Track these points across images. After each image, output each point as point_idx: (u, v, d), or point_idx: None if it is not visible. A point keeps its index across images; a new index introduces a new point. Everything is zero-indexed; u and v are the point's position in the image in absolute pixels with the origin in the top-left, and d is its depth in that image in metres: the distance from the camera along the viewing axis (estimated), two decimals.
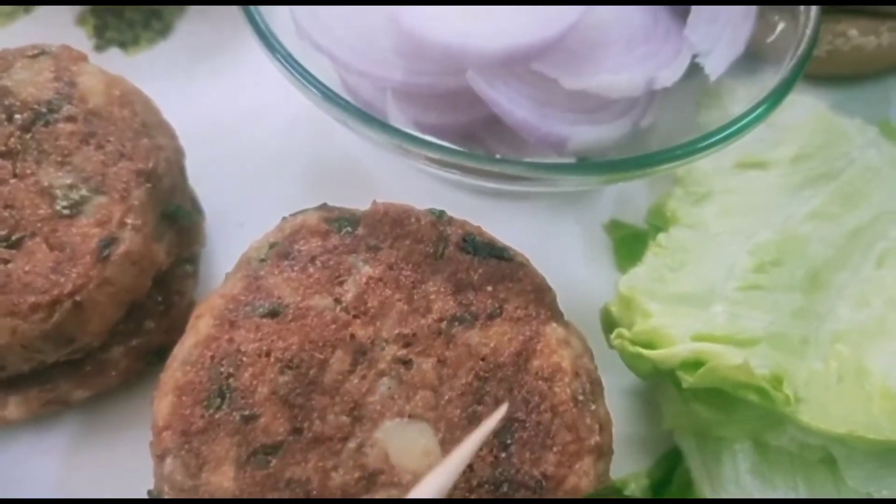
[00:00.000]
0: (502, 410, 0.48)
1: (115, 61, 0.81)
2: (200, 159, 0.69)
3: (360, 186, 0.71)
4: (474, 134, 0.71)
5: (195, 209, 0.67)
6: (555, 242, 0.73)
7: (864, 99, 0.83)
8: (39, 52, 0.63)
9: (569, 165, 0.60)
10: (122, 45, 0.81)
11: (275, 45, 0.59)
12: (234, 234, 0.70)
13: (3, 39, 0.78)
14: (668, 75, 0.67)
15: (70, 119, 0.60)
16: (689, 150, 0.58)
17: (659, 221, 0.68)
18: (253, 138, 0.75)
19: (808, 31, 0.67)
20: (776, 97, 0.61)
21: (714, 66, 0.69)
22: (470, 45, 0.63)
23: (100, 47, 0.81)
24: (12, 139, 0.59)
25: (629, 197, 0.76)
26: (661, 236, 0.63)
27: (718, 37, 0.70)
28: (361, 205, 0.61)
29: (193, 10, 0.85)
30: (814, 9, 0.66)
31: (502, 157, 0.59)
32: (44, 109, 0.60)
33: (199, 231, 0.65)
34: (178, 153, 0.63)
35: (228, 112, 0.76)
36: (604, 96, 0.66)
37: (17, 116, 0.60)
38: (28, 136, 0.59)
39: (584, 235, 0.74)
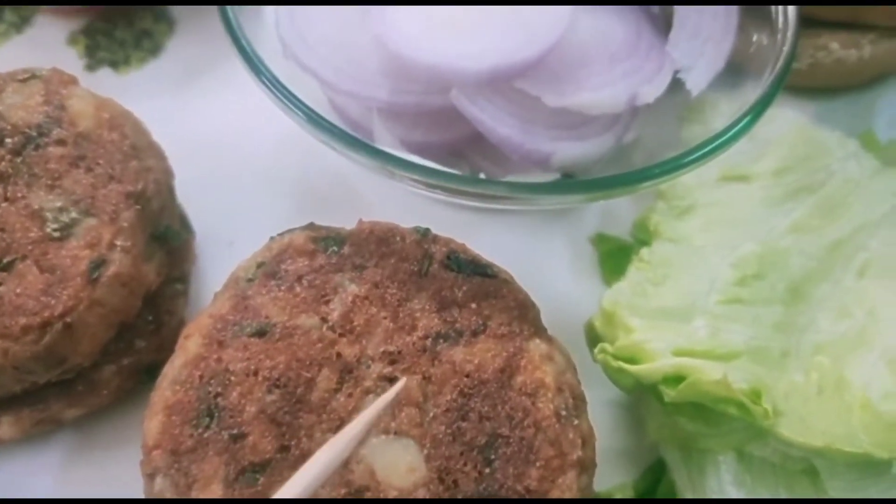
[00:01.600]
0: (399, 385, 0.49)
1: (106, 81, 0.82)
2: (190, 177, 0.70)
3: (348, 203, 0.72)
4: (460, 151, 0.72)
5: (185, 228, 0.67)
6: (541, 256, 0.74)
7: (847, 110, 0.84)
8: (30, 76, 0.64)
9: (552, 185, 0.61)
10: (114, 64, 0.82)
11: (259, 67, 0.60)
12: (223, 252, 0.71)
13: None
14: (651, 91, 0.68)
15: (60, 142, 0.61)
16: (672, 166, 0.59)
17: (643, 235, 0.69)
18: (242, 156, 0.76)
19: (787, 47, 0.67)
20: (756, 112, 0.62)
21: (696, 82, 0.70)
22: (454, 65, 0.64)
23: (91, 67, 0.82)
24: (3, 163, 0.60)
25: (615, 210, 0.77)
26: (643, 251, 0.64)
27: (700, 52, 0.71)
28: (349, 222, 0.62)
29: (184, 28, 0.86)
30: (791, 23, 0.67)
31: (486, 178, 0.60)
32: (34, 133, 0.61)
33: (189, 250, 0.66)
34: (168, 174, 0.64)
35: (218, 130, 0.77)
36: (587, 113, 0.67)
37: (8, 140, 0.61)
38: (19, 159, 0.60)
39: (570, 248, 0.75)
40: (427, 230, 0.59)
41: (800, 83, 0.81)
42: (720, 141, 0.60)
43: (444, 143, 0.71)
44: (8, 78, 0.64)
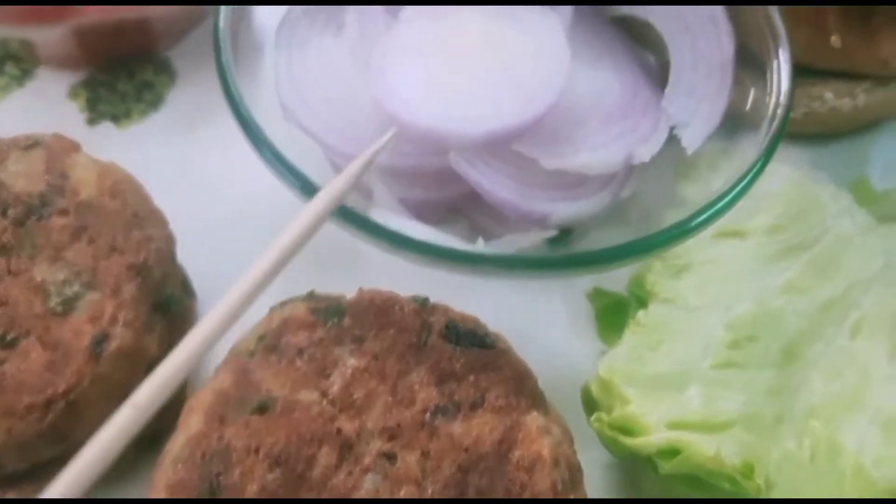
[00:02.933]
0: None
1: (107, 136, 0.83)
2: (191, 236, 0.71)
3: (349, 262, 0.73)
4: (459, 207, 0.73)
5: (186, 292, 0.68)
6: (538, 312, 0.75)
7: (842, 156, 0.85)
8: (33, 143, 0.65)
9: (554, 260, 0.62)
10: (115, 118, 0.83)
11: (259, 138, 0.60)
12: None
13: None
14: (646, 151, 0.69)
15: (62, 212, 0.62)
16: (672, 236, 0.60)
17: (640, 291, 0.70)
18: (244, 214, 0.77)
19: (780, 110, 0.68)
20: (754, 175, 0.63)
21: (691, 140, 0.71)
22: (451, 129, 0.65)
23: (92, 121, 0.83)
24: (6, 234, 0.61)
25: None
26: (640, 314, 0.65)
27: (695, 110, 0.72)
28: (349, 283, 0.63)
29: (185, 80, 0.87)
30: (785, 77, 0.68)
31: (487, 254, 0.61)
32: (37, 203, 0.62)
33: (191, 314, 0.67)
34: (170, 241, 0.65)
35: (220, 186, 0.78)
36: (584, 173, 0.68)
37: (11, 211, 0.62)
38: (22, 230, 0.61)
39: (566, 302, 0.76)
40: (426, 299, 0.60)
41: (795, 130, 0.81)
42: (719, 206, 0.62)
43: (443, 200, 0.72)
44: (11, 145, 0.65)
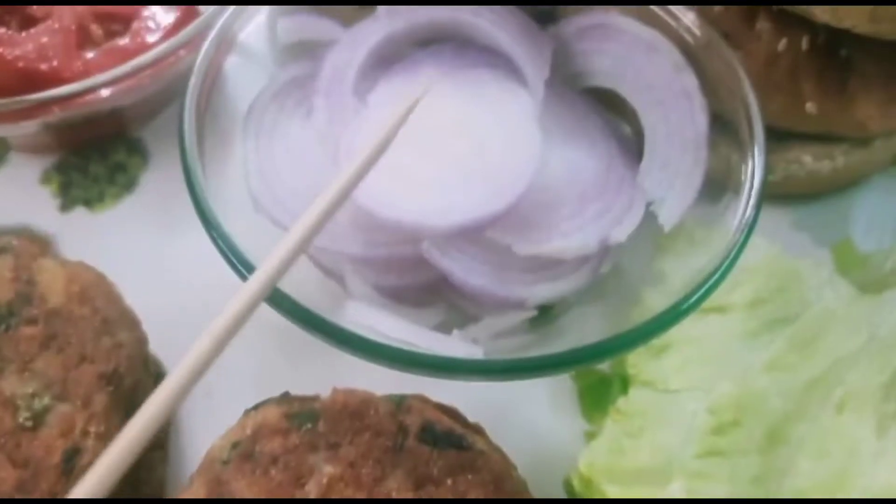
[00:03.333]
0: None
1: (80, 222, 0.82)
2: (166, 326, 0.70)
3: (324, 353, 0.72)
4: (436, 290, 0.72)
5: None
6: (519, 391, 0.74)
7: (824, 216, 0.84)
8: (0, 250, 0.63)
9: (532, 363, 0.60)
10: (88, 202, 0.82)
11: (223, 246, 0.60)
12: (201, 404, 0.71)
13: None
14: (622, 231, 0.69)
15: (31, 322, 0.61)
16: (660, 324, 0.61)
17: (621, 370, 0.69)
18: (219, 302, 0.74)
19: (758, 173, 0.67)
20: (737, 250, 0.63)
21: (668, 216, 0.70)
22: (422, 221, 0.64)
23: (65, 207, 0.82)
24: None
25: (590, 333, 0.76)
26: (620, 401, 0.64)
27: (671, 184, 0.71)
28: (324, 379, 0.62)
29: (158, 160, 0.86)
30: (759, 146, 0.67)
31: (463, 361, 0.60)
32: (4, 313, 0.61)
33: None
34: (141, 344, 0.64)
35: (195, 273, 0.76)
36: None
37: None
38: None
39: (549, 382, 0.75)
40: (402, 399, 0.59)
41: (775, 192, 0.81)
42: (706, 287, 0.63)
43: (419, 284, 0.71)
44: None
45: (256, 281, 0.49)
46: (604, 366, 0.74)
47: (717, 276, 0.61)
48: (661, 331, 0.59)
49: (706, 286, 0.60)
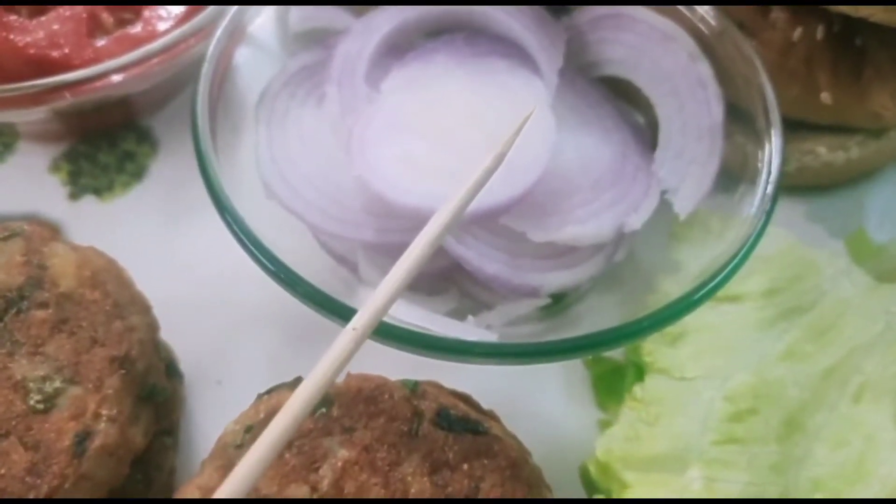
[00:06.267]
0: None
1: (90, 210, 0.82)
2: (176, 313, 0.70)
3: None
4: (449, 276, 0.71)
5: (172, 373, 0.67)
6: (533, 379, 0.74)
7: (838, 207, 0.84)
8: (10, 234, 0.63)
9: (546, 348, 0.60)
10: (97, 191, 0.82)
11: (238, 227, 0.61)
12: (212, 392, 0.72)
13: None
14: (637, 219, 0.68)
15: (42, 305, 0.60)
16: (675, 311, 0.60)
17: (636, 357, 0.69)
18: (229, 289, 0.75)
19: (775, 162, 0.66)
20: (753, 240, 0.62)
21: (683, 204, 0.69)
22: (436, 208, 0.63)
23: (74, 195, 0.82)
24: None
25: (604, 321, 0.75)
26: (636, 388, 0.63)
27: (686, 173, 0.71)
28: None
29: (167, 149, 0.86)
30: (776, 135, 0.67)
31: (476, 343, 0.59)
32: (15, 296, 0.60)
33: (177, 399, 0.66)
34: (152, 328, 0.63)
35: (205, 259, 0.77)
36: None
37: None
38: (0, 325, 0.59)
39: (563, 370, 0.75)
40: (416, 384, 0.59)
41: (789, 183, 0.80)
42: (722, 276, 0.62)
43: (432, 272, 0.70)
44: None
45: (369, 309, 0.52)
46: (618, 354, 0.73)
47: (733, 264, 0.60)
48: (677, 318, 0.58)
49: (722, 275, 0.60)
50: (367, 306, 0.52)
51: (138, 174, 0.84)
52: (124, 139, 0.86)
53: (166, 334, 0.70)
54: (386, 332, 0.55)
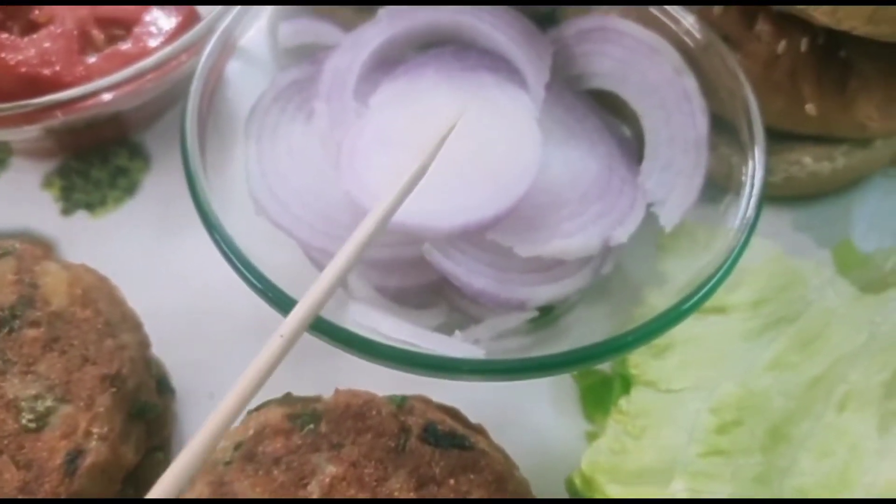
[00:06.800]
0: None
1: (82, 226, 0.82)
2: (168, 328, 0.70)
3: (325, 352, 0.72)
4: (438, 290, 0.72)
5: (164, 388, 0.68)
6: (521, 391, 0.74)
7: (825, 216, 0.85)
8: (2, 253, 0.64)
9: (533, 363, 0.60)
10: (90, 206, 0.82)
11: (226, 248, 0.62)
12: (203, 405, 0.71)
13: None
14: (623, 232, 0.69)
15: (34, 324, 0.61)
16: (662, 324, 0.61)
17: (622, 370, 0.69)
18: (220, 303, 0.76)
19: (758, 174, 0.67)
20: (738, 251, 0.63)
21: (669, 217, 0.70)
22: (424, 223, 0.64)
23: (67, 211, 0.82)
24: None
25: (591, 333, 0.76)
26: (622, 401, 0.64)
27: (672, 185, 0.71)
28: (326, 378, 0.62)
29: (159, 164, 0.86)
30: (759, 146, 0.68)
31: (465, 361, 0.60)
32: (7, 315, 0.61)
33: (169, 415, 0.67)
34: (143, 346, 0.64)
35: (196, 275, 0.77)
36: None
37: None
38: None
39: (550, 382, 0.75)
40: (403, 399, 0.59)
41: (775, 194, 0.81)
42: (708, 288, 0.62)
43: (421, 285, 0.71)
44: None
45: (295, 316, 0.51)
46: (605, 366, 0.74)
47: (718, 276, 0.61)
48: (663, 331, 0.59)
49: (708, 286, 0.60)
50: (293, 313, 0.54)
51: (130, 189, 0.84)
52: (117, 155, 0.86)
53: (157, 349, 0.71)
54: (373, 350, 0.56)
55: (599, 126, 0.76)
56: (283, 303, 0.57)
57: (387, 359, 0.56)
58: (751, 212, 0.64)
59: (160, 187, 0.85)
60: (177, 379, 0.72)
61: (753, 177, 0.67)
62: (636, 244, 0.72)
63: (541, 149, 0.68)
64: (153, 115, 0.85)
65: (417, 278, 0.71)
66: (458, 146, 0.66)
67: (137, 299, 0.69)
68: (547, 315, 0.72)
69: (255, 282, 0.58)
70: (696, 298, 0.59)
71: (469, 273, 0.66)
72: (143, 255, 0.80)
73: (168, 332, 0.70)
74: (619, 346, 0.58)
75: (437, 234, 0.64)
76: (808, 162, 0.80)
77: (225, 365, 0.73)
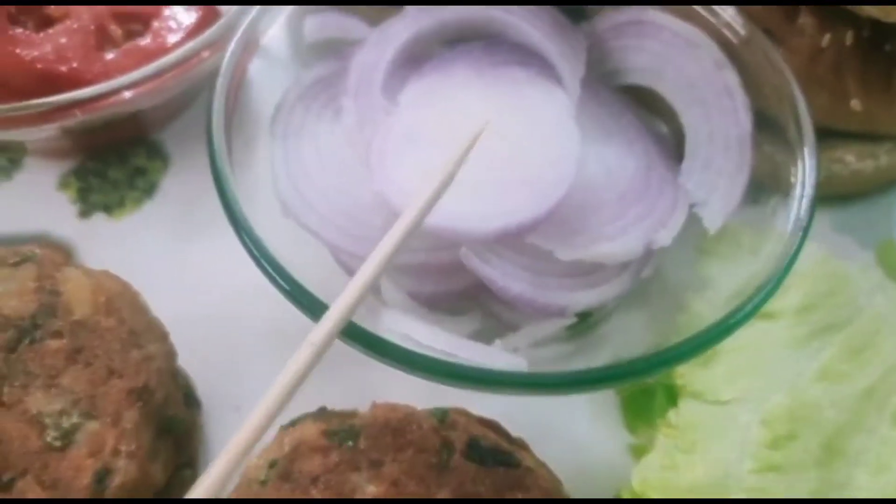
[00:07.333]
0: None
1: (100, 228, 0.80)
2: (191, 337, 0.68)
3: (357, 362, 0.69)
4: (473, 296, 0.69)
5: (190, 402, 0.65)
6: (561, 402, 0.71)
7: (865, 216, 0.82)
8: (22, 259, 0.62)
9: (579, 378, 0.58)
10: (107, 208, 0.79)
11: (255, 250, 0.59)
12: (230, 418, 0.69)
13: None
14: (666, 234, 0.66)
15: (56, 334, 0.58)
16: (711, 337, 0.58)
17: (666, 380, 0.66)
18: (245, 309, 0.73)
19: (809, 173, 0.64)
20: (792, 257, 0.61)
21: (712, 218, 0.68)
22: (461, 227, 0.62)
23: (84, 213, 0.79)
24: None
25: (631, 339, 0.74)
26: (671, 414, 0.61)
27: (714, 186, 0.69)
28: (359, 386, 0.59)
29: (178, 164, 0.83)
30: (809, 144, 0.67)
31: (503, 374, 0.57)
32: (28, 325, 0.58)
33: (196, 430, 0.64)
34: (170, 357, 0.61)
35: (218, 279, 0.74)
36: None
37: (1, 336, 0.58)
38: (13, 356, 0.57)
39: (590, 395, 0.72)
40: (445, 413, 0.57)
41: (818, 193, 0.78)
42: (761, 296, 0.60)
43: (455, 291, 0.68)
44: None
45: (327, 322, 0.47)
46: None
47: (771, 284, 0.58)
48: (715, 343, 0.57)
49: (761, 295, 0.58)
50: (325, 319, 0.51)
51: (149, 190, 0.82)
52: (134, 154, 0.84)
53: (181, 360, 0.67)
54: (412, 362, 0.54)
55: (636, 123, 0.73)
56: (313, 307, 0.55)
57: (427, 371, 0.54)
58: (804, 215, 0.62)
59: (179, 188, 0.83)
60: (201, 390, 0.68)
61: (805, 177, 0.64)
62: (676, 247, 0.69)
63: (579, 147, 0.65)
64: (171, 113, 0.83)
65: (452, 283, 0.68)
66: (494, 146, 0.64)
67: (158, 305, 0.67)
68: (585, 321, 0.69)
69: (285, 285, 0.55)
70: (749, 308, 0.57)
71: (506, 277, 0.64)
72: (163, 258, 0.77)
73: (190, 339, 0.67)
74: (670, 358, 0.56)
75: (475, 238, 0.62)
76: (851, 160, 0.78)
77: (251, 374, 0.70)
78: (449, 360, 0.55)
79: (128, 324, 0.60)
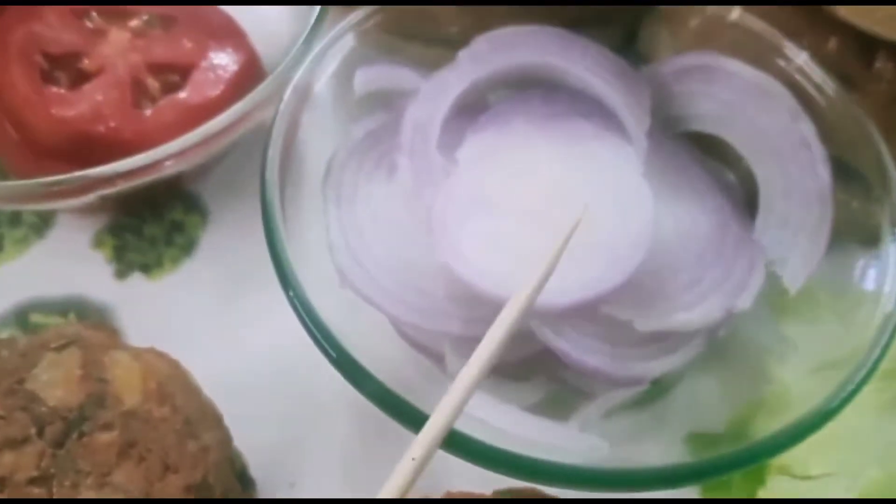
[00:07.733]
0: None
1: (139, 290, 0.76)
2: (239, 405, 0.63)
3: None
4: (543, 361, 0.65)
5: (245, 482, 0.61)
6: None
7: None
8: (66, 343, 0.58)
9: (676, 473, 0.54)
10: (145, 268, 0.75)
11: (307, 319, 0.57)
12: (284, 494, 0.67)
13: (18, 268, 0.78)
14: (746, 298, 0.62)
15: (106, 427, 0.55)
16: (810, 426, 0.56)
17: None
18: (295, 377, 0.69)
19: None
20: (889, 339, 0.55)
21: (793, 278, 0.64)
22: (538, 300, 0.57)
23: (121, 273, 0.75)
24: (45, 459, 0.53)
25: (706, 401, 0.70)
26: (760, 493, 0.58)
27: (793, 243, 0.65)
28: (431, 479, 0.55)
29: (218, 219, 0.80)
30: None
31: (591, 471, 0.53)
32: (76, 417, 0.54)
33: None
34: (226, 445, 0.58)
35: (267, 343, 0.71)
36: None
37: (48, 430, 0.54)
38: (62, 452, 0.53)
39: (661, 452, 0.67)
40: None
41: None
42: (864, 373, 0.57)
43: (524, 358, 0.64)
44: (41, 346, 0.57)
45: (427, 434, 0.44)
46: (719, 428, 0.67)
47: (878, 352, 0.54)
48: (818, 428, 0.52)
49: (869, 365, 0.53)
50: (427, 429, 0.48)
51: (188, 248, 0.78)
52: (171, 209, 0.79)
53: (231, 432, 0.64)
54: (471, 451, 0.52)
55: (703, 175, 0.69)
56: (404, 413, 0.50)
57: (490, 464, 0.53)
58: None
59: (220, 244, 0.79)
60: (253, 464, 0.64)
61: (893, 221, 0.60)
62: (753, 309, 0.65)
63: (653, 207, 0.61)
64: (209, 165, 0.78)
65: (518, 352, 0.64)
66: (562, 209, 0.60)
67: (202, 374, 0.64)
68: (657, 385, 0.65)
69: (364, 384, 0.51)
70: (852, 388, 0.52)
71: (583, 350, 0.60)
72: (206, 322, 0.73)
73: (240, 413, 0.63)
74: (770, 449, 0.52)
75: (549, 310, 0.58)
76: None
77: (304, 447, 0.67)
78: (517, 454, 0.53)
79: (181, 412, 0.56)
